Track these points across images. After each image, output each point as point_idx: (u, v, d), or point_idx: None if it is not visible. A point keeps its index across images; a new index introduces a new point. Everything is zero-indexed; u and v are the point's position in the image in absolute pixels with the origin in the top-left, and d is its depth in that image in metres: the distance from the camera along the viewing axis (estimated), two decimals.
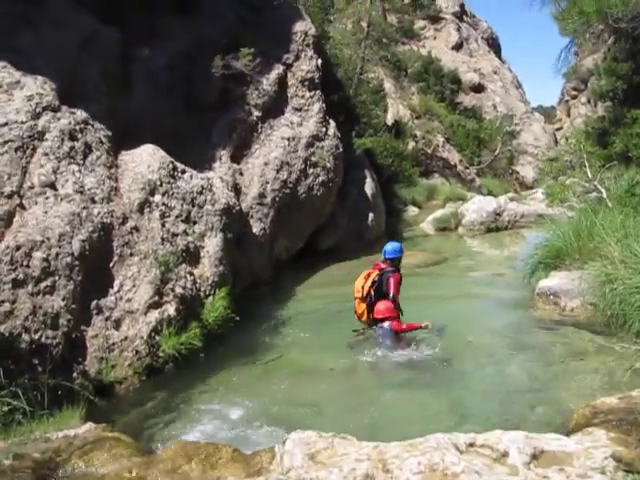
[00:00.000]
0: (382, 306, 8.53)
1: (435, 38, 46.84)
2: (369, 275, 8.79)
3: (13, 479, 4.17)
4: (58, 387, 6.06)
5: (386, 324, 8.47)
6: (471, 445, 3.98)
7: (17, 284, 6.75)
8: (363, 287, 8.71)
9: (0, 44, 9.00)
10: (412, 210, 23.89)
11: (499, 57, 55.36)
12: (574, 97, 56.02)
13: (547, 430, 4.59)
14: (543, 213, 19.48)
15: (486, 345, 8.32)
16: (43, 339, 6.71)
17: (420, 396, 6.83)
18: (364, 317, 8.79)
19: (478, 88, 45.95)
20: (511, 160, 40.02)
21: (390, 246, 9.11)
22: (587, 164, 13.35)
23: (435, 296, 11.37)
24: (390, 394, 7.00)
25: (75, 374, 6.86)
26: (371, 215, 17.73)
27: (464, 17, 52.13)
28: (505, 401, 6.47)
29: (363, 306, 8.74)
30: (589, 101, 50.28)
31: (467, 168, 33.88)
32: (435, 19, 47.54)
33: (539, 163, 40.72)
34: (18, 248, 6.94)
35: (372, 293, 8.63)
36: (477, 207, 20.67)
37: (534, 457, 3.81)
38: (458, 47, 48.18)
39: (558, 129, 54.21)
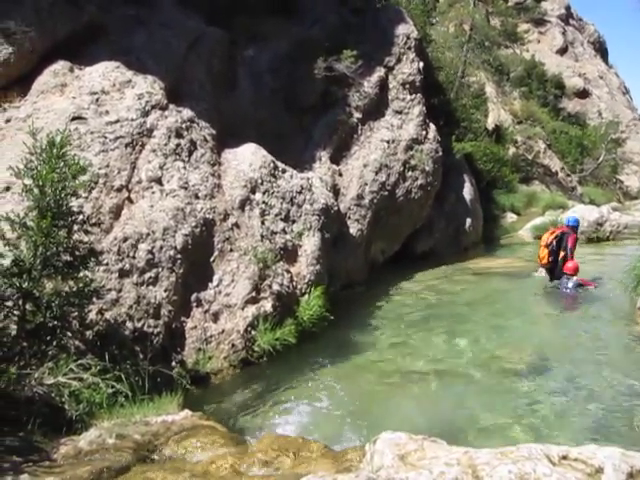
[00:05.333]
0: (571, 264, 11.57)
1: (539, 42, 45.60)
2: (554, 232, 12.14)
3: (116, 457, 4.35)
4: (157, 374, 6.28)
5: (574, 279, 11.43)
6: (564, 458, 3.84)
7: (123, 274, 7.06)
8: (548, 238, 11.93)
9: (115, 45, 9.45)
10: (510, 217, 23.35)
11: (606, 62, 53.37)
12: None
13: None
14: None
15: (584, 356, 8.09)
16: (145, 328, 6.97)
17: (513, 402, 6.70)
18: (544, 260, 12.01)
19: (583, 94, 44.45)
20: (615, 169, 38.43)
21: (572, 218, 12.80)
22: None
23: (532, 304, 11.17)
24: (476, 398, 6.93)
25: (174, 363, 7.11)
26: (469, 220, 17.48)
27: (570, 20, 50.51)
28: (602, 415, 6.27)
29: (546, 251, 11.91)
30: None
31: (569, 176, 32.86)
32: (539, 22, 46.28)
33: None
34: (125, 240, 7.24)
35: (554, 243, 11.81)
36: (578, 216, 19.99)
37: (631, 476, 3.62)
38: (563, 51, 46.77)
39: None
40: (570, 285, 11.43)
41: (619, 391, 6.85)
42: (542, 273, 12.57)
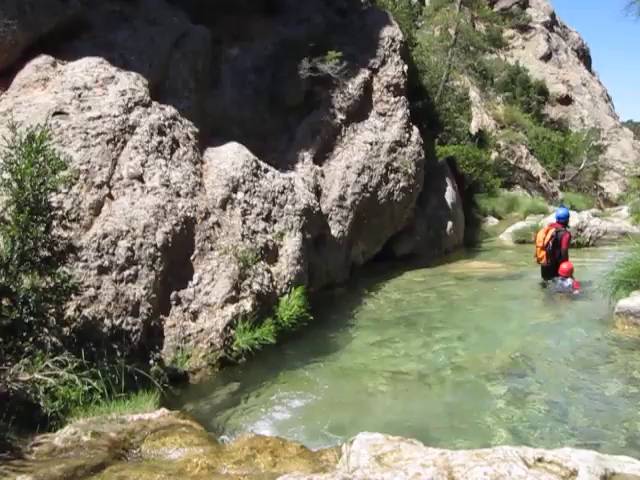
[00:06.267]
0: (565, 266, 11.78)
1: (523, 48, 45.94)
2: (548, 231, 12.22)
3: (91, 455, 4.32)
4: (135, 372, 6.22)
5: (568, 280, 11.69)
6: (539, 460, 3.86)
7: (102, 271, 7.01)
8: (544, 239, 12.09)
9: (98, 41, 9.40)
10: (491, 221, 23.49)
11: (589, 69, 53.83)
12: None
13: (620, 452, 4.42)
14: (627, 231, 18.87)
15: (562, 359, 8.12)
16: (123, 325, 6.93)
17: (491, 405, 6.73)
18: (542, 260, 12.22)
19: (565, 100, 44.81)
20: (596, 175, 38.76)
21: (562, 211, 12.94)
22: None
23: (511, 308, 11.22)
24: (454, 400, 6.95)
25: (152, 361, 7.06)
26: (450, 224, 17.56)
27: (554, 27, 50.91)
28: (577, 419, 6.30)
29: (543, 252, 12.13)
30: None
31: (550, 181, 33.13)
32: (524, 28, 46.63)
33: (625, 180, 39.43)
34: (105, 236, 7.20)
35: (550, 243, 11.95)
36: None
37: (604, 478, 3.66)
38: (547, 57, 47.11)
39: None
40: (566, 285, 11.72)
41: (595, 395, 6.89)
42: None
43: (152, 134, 8.70)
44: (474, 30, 29.16)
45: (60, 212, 5.87)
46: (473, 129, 28.54)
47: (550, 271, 12.22)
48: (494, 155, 29.18)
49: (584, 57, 54.07)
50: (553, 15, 51.24)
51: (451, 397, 7.09)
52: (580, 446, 4.50)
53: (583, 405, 6.64)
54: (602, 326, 9.41)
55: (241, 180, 9.49)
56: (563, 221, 12.48)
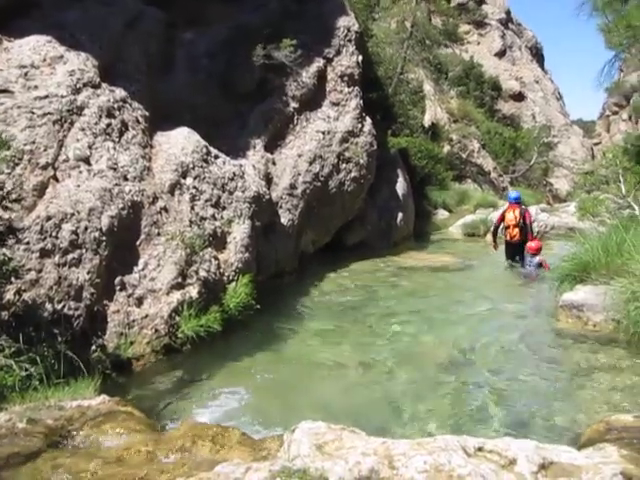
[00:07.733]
0: (534, 244, 12.77)
1: (478, 43, 46.42)
2: (514, 210, 13.37)
3: (25, 442, 4.23)
4: (76, 358, 6.12)
5: (537, 258, 12.56)
6: (479, 449, 3.92)
7: (44, 254, 6.86)
8: (516, 217, 13.22)
9: (48, 19, 9.16)
10: (442, 214, 23.75)
11: (542, 67, 54.70)
12: (615, 113, 55.39)
13: (559, 442, 4.52)
14: (574, 226, 19.28)
15: (505, 353, 8.27)
16: (65, 310, 6.80)
17: (436, 395, 6.81)
18: (516, 237, 13.27)
19: (518, 97, 45.50)
20: (546, 171, 39.43)
21: (514, 194, 14.21)
22: (622, 180, 13.12)
23: (458, 300, 11.35)
24: (399, 389, 7.00)
25: (94, 347, 6.94)
26: (400, 215, 17.68)
27: (509, 24, 51.55)
28: (518, 410, 6.42)
29: (517, 230, 13.22)
30: (630, 118, 49.67)
31: (501, 176, 33.60)
32: (480, 24, 47.10)
33: (574, 176, 40.18)
34: (48, 219, 7.04)
35: (521, 221, 13.13)
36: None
37: (542, 467, 3.73)
38: (501, 54, 47.70)
39: (596, 144, 53.46)
40: (534, 262, 12.56)
41: (536, 387, 7.03)
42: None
43: (100, 116, 8.53)
44: (430, 24, 29.42)
45: (0, 192, 5.72)
46: (426, 122, 28.73)
47: (517, 249, 13.33)
48: (446, 148, 29.44)
49: (537, 55, 54.94)
50: (508, 12, 51.91)
51: (395, 386, 7.15)
52: (520, 436, 4.57)
53: (524, 396, 6.77)
54: (546, 318, 9.60)
55: (191, 165, 9.39)
56: (519, 201, 13.80)
